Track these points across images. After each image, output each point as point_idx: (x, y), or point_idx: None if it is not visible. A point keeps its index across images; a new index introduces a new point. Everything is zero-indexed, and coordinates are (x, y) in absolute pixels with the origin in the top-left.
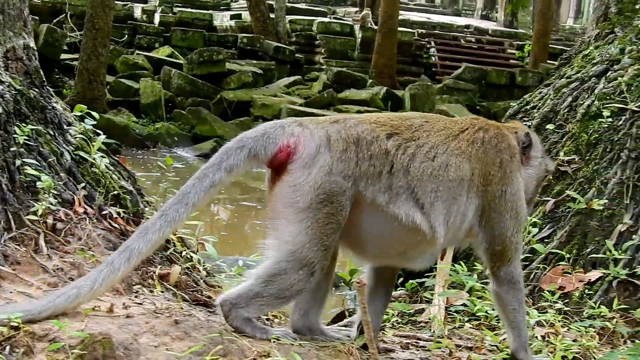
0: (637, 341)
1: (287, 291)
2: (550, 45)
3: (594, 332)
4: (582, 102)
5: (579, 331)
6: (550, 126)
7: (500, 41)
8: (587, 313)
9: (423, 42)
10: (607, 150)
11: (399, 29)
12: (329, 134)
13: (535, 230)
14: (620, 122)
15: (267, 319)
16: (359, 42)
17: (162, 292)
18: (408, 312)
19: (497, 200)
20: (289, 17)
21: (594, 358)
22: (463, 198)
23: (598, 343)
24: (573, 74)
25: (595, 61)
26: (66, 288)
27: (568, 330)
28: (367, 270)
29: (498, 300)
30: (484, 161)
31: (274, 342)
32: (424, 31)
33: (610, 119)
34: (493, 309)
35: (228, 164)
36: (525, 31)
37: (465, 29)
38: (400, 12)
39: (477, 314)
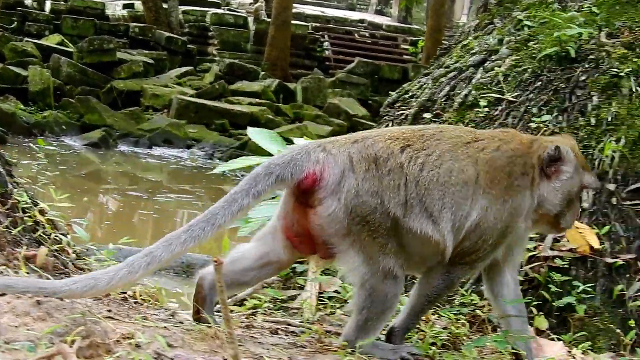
0: (505, 330)
1: (385, 302)
2: (444, 41)
3: (465, 319)
4: (459, 92)
5: (450, 319)
6: (427, 115)
7: (394, 36)
8: (458, 301)
9: (317, 36)
10: None
11: (293, 21)
12: (350, 156)
13: None
14: (497, 112)
15: None
16: (253, 34)
17: (28, 273)
18: (280, 298)
19: (499, 206)
20: (182, 8)
21: (463, 344)
22: (468, 201)
23: (468, 330)
24: (452, 64)
25: (473, 51)
26: (85, 276)
27: (439, 317)
28: None
29: (421, 280)
30: (492, 165)
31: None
32: (318, 25)
33: (486, 109)
34: None
35: (256, 190)
36: (419, 27)
37: (360, 24)
38: (295, 5)
39: (348, 301)
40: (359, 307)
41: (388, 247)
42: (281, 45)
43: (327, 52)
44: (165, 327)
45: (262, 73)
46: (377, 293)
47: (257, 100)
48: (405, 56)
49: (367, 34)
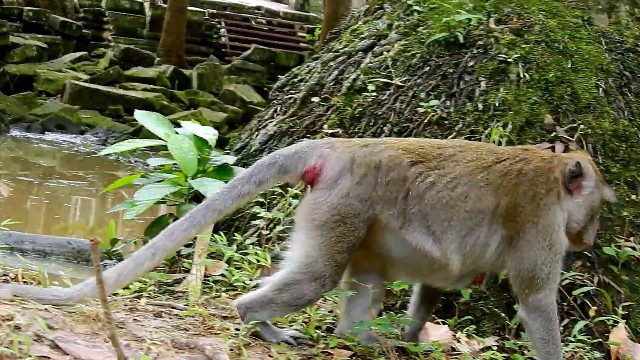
0: (390, 312)
1: (298, 300)
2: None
3: None
4: (347, 76)
5: (335, 302)
6: (315, 99)
7: (291, 24)
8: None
9: (213, 22)
10: (371, 124)
11: (189, 8)
12: (354, 158)
13: (296, 202)
14: (385, 97)
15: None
16: (149, 20)
17: None
18: (166, 281)
19: (528, 230)
20: None
21: None
22: (483, 229)
23: None
24: (341, 48)
25: (363, 36)
26: (92, 279)
27: (324, 301)
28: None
29: (526, 327)
30: (515, 193)
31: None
32: (214, 11)
33: (374, 93)
34: (251, 279)
35: (258, 178)
36: (317, 15)
37: (257, 11)
38: None
39: (234, 284)
40: (274, 287)
41: (344, 255)
42: (177, 31)
43: (223, 39)
44: (46, 309)
45: (158, 59)
46: (297, 287)
47: (152, 86)
48: (302, 44)
49: (264, 21)
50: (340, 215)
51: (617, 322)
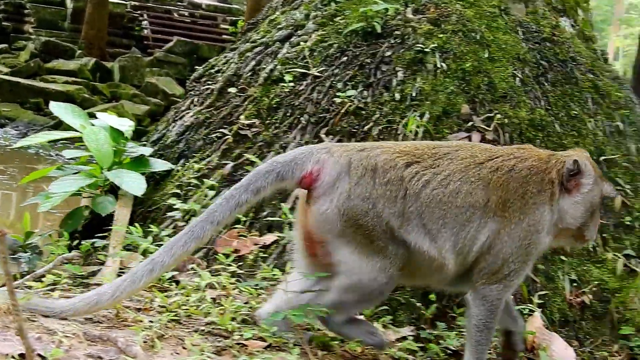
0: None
1: (370, 296)
2: None
3: (266, 294)
4: (265, 67)
5: (251, 294)
6: (232, 90)
7: (213, 16)
8: (260, 276)
9: (135, 15)
10: (288, 114)
11: (111, 0)
12: (350, 161)
13: (213, 193)
14: (302, 87)
15: None
16: (70, 13)
17: None
18: (80, 274)
19: (513, 226)
20: None
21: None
22: (474, 224)
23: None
24: (258, 39)
25: (280, 26)
26: (89, 294)
27: (240, 292)
28: None
29: (468, 310)
30: (505, 188)
31: None
32: (136, 3)
33: (291, 84)
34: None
35: (255, 186)
36: (239, 7)
37: (179, 3)
38: None
39: None
40: (339, 289)
41: (389, 250)
42: (98, 24)
43: (145, 32)
44: None
45: (79, 52)
46: (363, 286)
47: (74, 79)
48: (224, 36)
49: (186, 13)
50: (351, 219)
51: (533, 311)
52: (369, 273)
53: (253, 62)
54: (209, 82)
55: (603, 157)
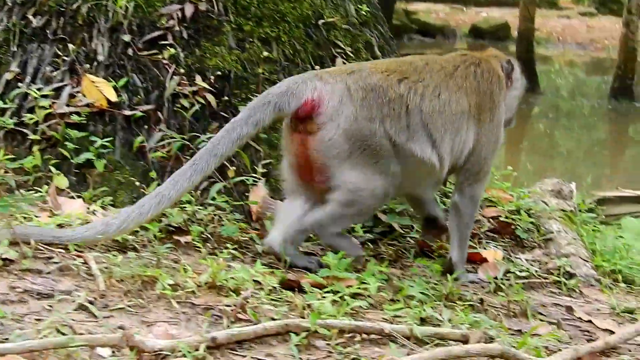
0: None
1: (367, 210)
2: None
3: None
4: None
5: None
6: None
7: None
8: None
9: None
10: None
11: None
12: (348, 85)
13: None
14: None
15: None
16: None
17: None
18: None
19: (487, 126)
20: None
21: None
22: (464, 129)
23: None
24: None
25: None
26: (96, 223)
27: None
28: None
29: (456, 211)
30: (478, 93)
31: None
32: None
33: None
34: None
35: (255, 119)
36: None
37: None
38: None
39: None
40: (339, 203)
41: (390, 169)
42: None
43: None
44: None
45: None
46: (362, 202)
47: None
48: None
49: None
50: (359, 140)
51: (257, 181)
52: (372, 191)
53: None
54: None
55: (322, 21)
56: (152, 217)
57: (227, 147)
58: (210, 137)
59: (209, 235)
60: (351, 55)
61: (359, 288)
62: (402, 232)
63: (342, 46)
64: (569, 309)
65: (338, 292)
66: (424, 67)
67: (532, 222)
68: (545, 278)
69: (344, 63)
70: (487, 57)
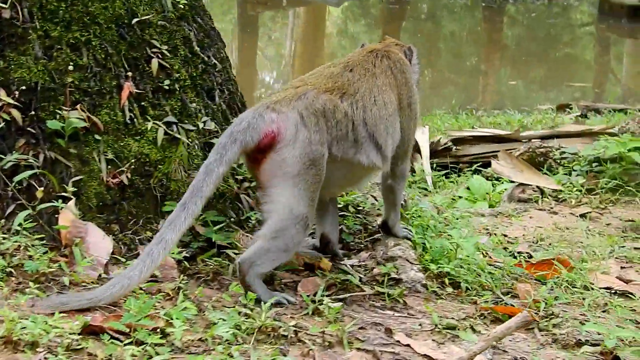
0: None
1: (290, 244)
2: None
3: None
4: None
5: None
6: None
7: None
8: None
9: None
10: None
11: None
12: (300, 112)
13: None
14: None
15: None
16: None
17: None
18: None
19: (407, 111)
20: None
21: None
22: (397, 122)
23: None
24: None
25: None
26: (119, 278)
27: None
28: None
29: (390, 191)
30: (398, 84)
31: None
32: None
33: None
34: None
35: (228, 157)
36: None
37: None
38: None
39: None
40: (267, 237)
41: (317, 192)
42: None
43: None
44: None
45: None
46: (287, 232)
47: None
48: None
49: None
50: (310, 160)
51: (67, 201)
52: (297, 217)
53: None
54: None
55: (136, 20)
56: (162, 261)
57: (210, 188)
58: (18, 156)
59: (12, 270)
60: (167, 54)
61: (162, 335)
62: (221, 249)
63: (158, 45)
64: (388, 331)
65: (142, 341)
66: (353, 76)
67: (359, 221)
68: (371, 286)
69: (160, 64)
70: (390, 46)
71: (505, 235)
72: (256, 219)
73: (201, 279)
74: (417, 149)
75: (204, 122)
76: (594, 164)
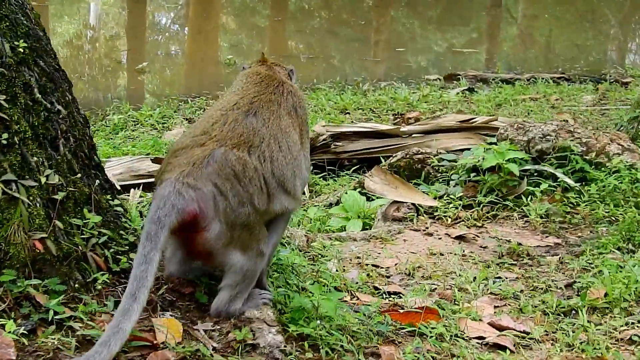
0: None
1: (254, 276)
2: None
3: None
4: None
5: None
6: None
7: None
8: None
9: None
10: None
11: None
12: (214, 183)
13: None
14: None
15: None
16: None
17: None
18: None
19: (305, 143)
20: None
21: None
22: (302, 162)
23: None
24: None
25: None
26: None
27: None
28: None
29: (278, 223)
30: (300, 122)
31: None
32: None
33: None
34: None
35: (161, 243)
36: None
37: None
38: None
39: None
40: (232, 285)
41: (260, 234)
42: None
43: None
44: None
45: None
46: (250, 273)
47: None
48: None
49: None
50: (240, 224)
51: None
52: (253, 259)
53: None
54: None
55: None
56: (118, 350)
57: (152, 277)
58: None
59: None
60: (5, 104)
61: None
62: (64, 322)
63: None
64: None
65: None
66: (257, 122)
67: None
68: (226, 356)
69: None
70: (275, 71)
71: (377, 267)
72: (103, 282)
73: (41, 357)
74: None
75: (47, 176)
76: (472, 174)
